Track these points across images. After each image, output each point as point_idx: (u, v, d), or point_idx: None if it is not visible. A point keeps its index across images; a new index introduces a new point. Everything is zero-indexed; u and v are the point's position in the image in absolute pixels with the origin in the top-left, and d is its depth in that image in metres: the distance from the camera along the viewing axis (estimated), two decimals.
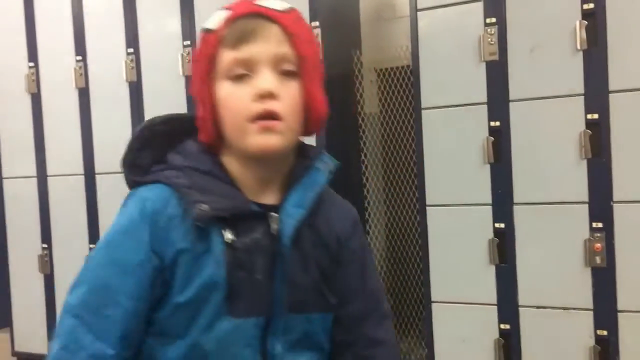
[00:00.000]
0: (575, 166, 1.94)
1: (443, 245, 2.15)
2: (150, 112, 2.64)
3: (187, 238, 0.84)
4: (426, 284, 2.19)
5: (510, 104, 2.02)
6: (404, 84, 2.59)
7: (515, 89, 2.01)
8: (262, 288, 0.86)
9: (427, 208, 2.17)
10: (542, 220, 1.99)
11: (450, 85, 2.11)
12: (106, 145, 2.76)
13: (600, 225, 1.91)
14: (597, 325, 1.93)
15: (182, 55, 2.58)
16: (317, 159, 0.92)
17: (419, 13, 2.15)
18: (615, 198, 1.89)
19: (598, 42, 1.89)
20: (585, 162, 1.92)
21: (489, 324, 2.08)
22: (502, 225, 2.04)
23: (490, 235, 2.06)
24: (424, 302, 2.23)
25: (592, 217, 1.92)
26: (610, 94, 1.89)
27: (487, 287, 2.07)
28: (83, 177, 2.84)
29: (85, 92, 2.83)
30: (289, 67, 0.85)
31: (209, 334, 0.84)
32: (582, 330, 1.95)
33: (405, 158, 2.62)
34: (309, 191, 0.89)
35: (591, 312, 1.93)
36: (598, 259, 1.91)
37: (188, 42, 2.56)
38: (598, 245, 1.91)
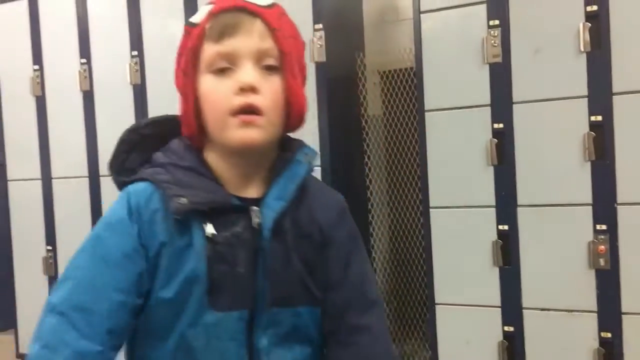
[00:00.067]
0: (579, 168, 1.94)
1: (447, 247, 2.15)
2: (155, 114, 2.56)
3: (169, 232, 0.84)
4: (430, 285, 2.18)
5: (514, 106, 2.02)
6: (407, 86, 2.59)
7: (518, 91, 2.01)
8: (244, 282, 0.86)
9: (430, 210, 2.17)
10: (546, 222, 1.99)
11: (453, 87, 2.11)
12: (110, 148, 2.74)
13: (604, 227, 1.91)
14: (601, 327, 1.92)
15: None
16: (298, 152, 0.92)
17: (422, 15, 2.15)
18: (619, 200, 1.89)
19: (601, 44, 1.89)
20: (589, 164, 1.92)
21: (492, 326, 2.07)
22: (506, 227, 2.04)
23: (494, 237, 2.06)
24: (428, 304, 2.23)
25: (596, 219, 1.92)
26: (613, 96, 1.88)
27: (491, 289, 2.07)
28: (87, 179, 2.85)
29: (90, 95, 2.84)
30: (271, 62, 0.85)
31: (194, 328, 0.84)
32: (586, 332, 1.94)
33: (408, 160, 2.62)
34: (289, 183, 0.89)
35: (595, 315, 1.93)
36: (602, 261, 1.91)
37: None
38: (602, 247, 1.90)
